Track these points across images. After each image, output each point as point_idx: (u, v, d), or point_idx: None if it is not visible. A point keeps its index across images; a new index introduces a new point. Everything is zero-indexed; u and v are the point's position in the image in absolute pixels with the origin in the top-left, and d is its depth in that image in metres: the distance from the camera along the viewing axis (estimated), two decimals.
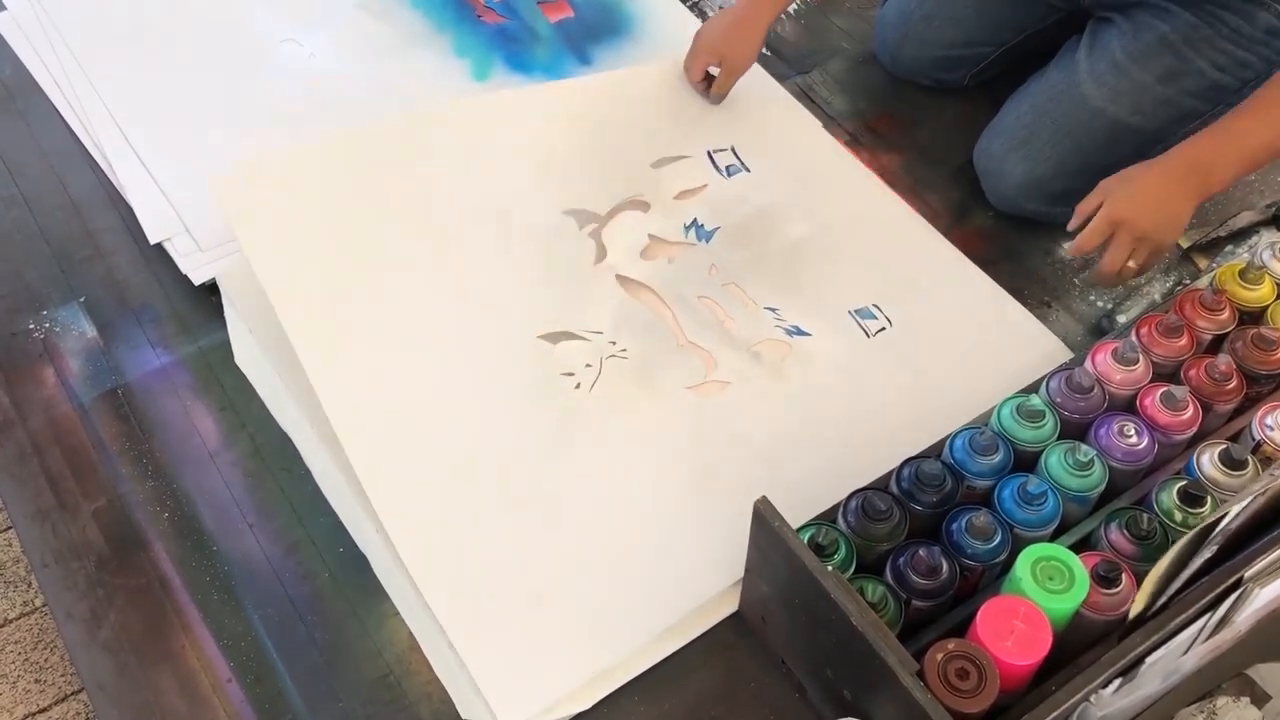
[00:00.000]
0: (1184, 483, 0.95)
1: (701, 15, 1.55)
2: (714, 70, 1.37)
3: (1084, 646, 0.88)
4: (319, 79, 1.44)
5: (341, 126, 1.38)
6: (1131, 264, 1.12)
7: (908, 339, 1.22)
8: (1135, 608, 0.84)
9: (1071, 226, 1.15)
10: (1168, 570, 0.83)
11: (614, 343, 1.19)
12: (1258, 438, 0.99)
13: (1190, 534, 0.82)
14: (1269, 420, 0.99)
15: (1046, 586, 0.85)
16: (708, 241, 1.28)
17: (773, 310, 1.23)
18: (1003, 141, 1.32)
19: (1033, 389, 1.04)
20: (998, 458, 0.97)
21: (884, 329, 1.23)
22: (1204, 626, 0.85)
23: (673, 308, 1.23)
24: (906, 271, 1.28)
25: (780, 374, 1.18)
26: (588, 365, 1.17)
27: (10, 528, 1.42)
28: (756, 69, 1.42)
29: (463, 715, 0.98)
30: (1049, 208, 1.30)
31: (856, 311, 1.24)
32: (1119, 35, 1.28)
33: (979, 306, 1.25)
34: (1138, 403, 1.01)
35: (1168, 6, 1.26)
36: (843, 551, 0.92)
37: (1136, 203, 1.08)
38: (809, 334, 1.21)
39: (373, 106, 1.42)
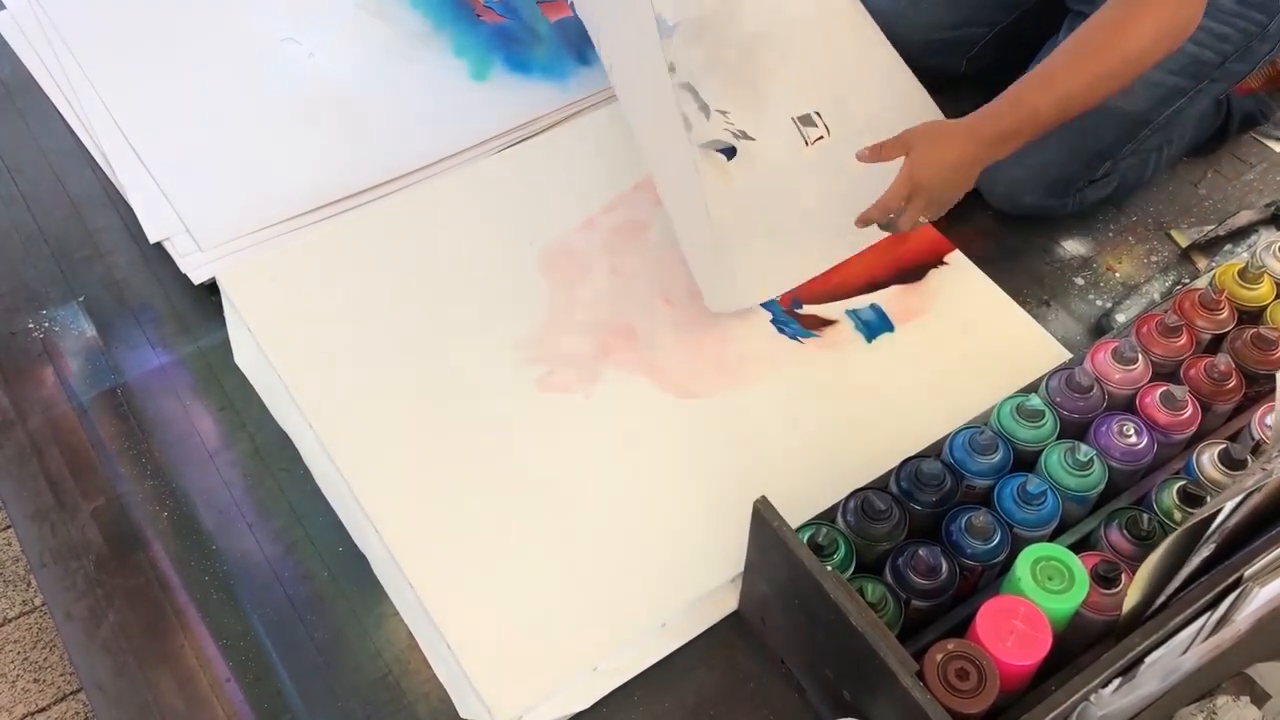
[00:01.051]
0: (1183, 482, 0.95)
1: None
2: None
3: (1084, 646, 0.88)
4: (318, 78, 1.44)
5: (343, 118, 1.39)
6: (922, 220, 1.16)
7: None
8: (1128, 602, 0.84)
9: (863, 158, 1.15)
10: (1160, 564, 0.83)
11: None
12: (1257, 437, 0.99)
13: (1181, 529, 0.82)
14: (1269, 420, 0.99)
15: (1046, 586, 0.85)
16: (671, 37, 1.32)
17: (723, 113, 1.29)
18: None
19: (1032, 388, 1.04)
20: (997, 457, 0.97)
21: (821, 138, 1.28)
22: (1204, 625, 0.85)
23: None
24: (850, 82, 1.31)
25: (731, 176, 1.26)
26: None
27: (9, 527, 1.42)
28: None
29: (461, 715, 0.98)
30: (1045, 200, 1.30)
31: (799, 119, 1.28)
32: None
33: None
34: (1137, 402, 1.01)
35: None
36: (842, 551, 0.92)
37: (940, 173, 1.12)
38: (753, 139, 1.28)
39: (372, 106, 1.42)
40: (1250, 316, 1.09)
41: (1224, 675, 0.96)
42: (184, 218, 1.29)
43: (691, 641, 1.02)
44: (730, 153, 1.31)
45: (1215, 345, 1.08)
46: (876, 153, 1.15)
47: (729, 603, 1.03)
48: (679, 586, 1.04)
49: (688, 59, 1.31)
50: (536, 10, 1.53)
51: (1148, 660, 0.83)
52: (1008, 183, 1.30)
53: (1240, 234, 1.33)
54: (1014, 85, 1.13)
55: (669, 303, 1.24)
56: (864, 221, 1.16)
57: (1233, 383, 1.02)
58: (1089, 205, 1.33)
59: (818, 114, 1.29)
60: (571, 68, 1.47)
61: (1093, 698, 0.83)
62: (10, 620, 1.36)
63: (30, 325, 1.23)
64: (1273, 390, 1.04)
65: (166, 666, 1.01)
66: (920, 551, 0.91)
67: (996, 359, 1.18)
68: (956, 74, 1.47)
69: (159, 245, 1.28)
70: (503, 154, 1.38)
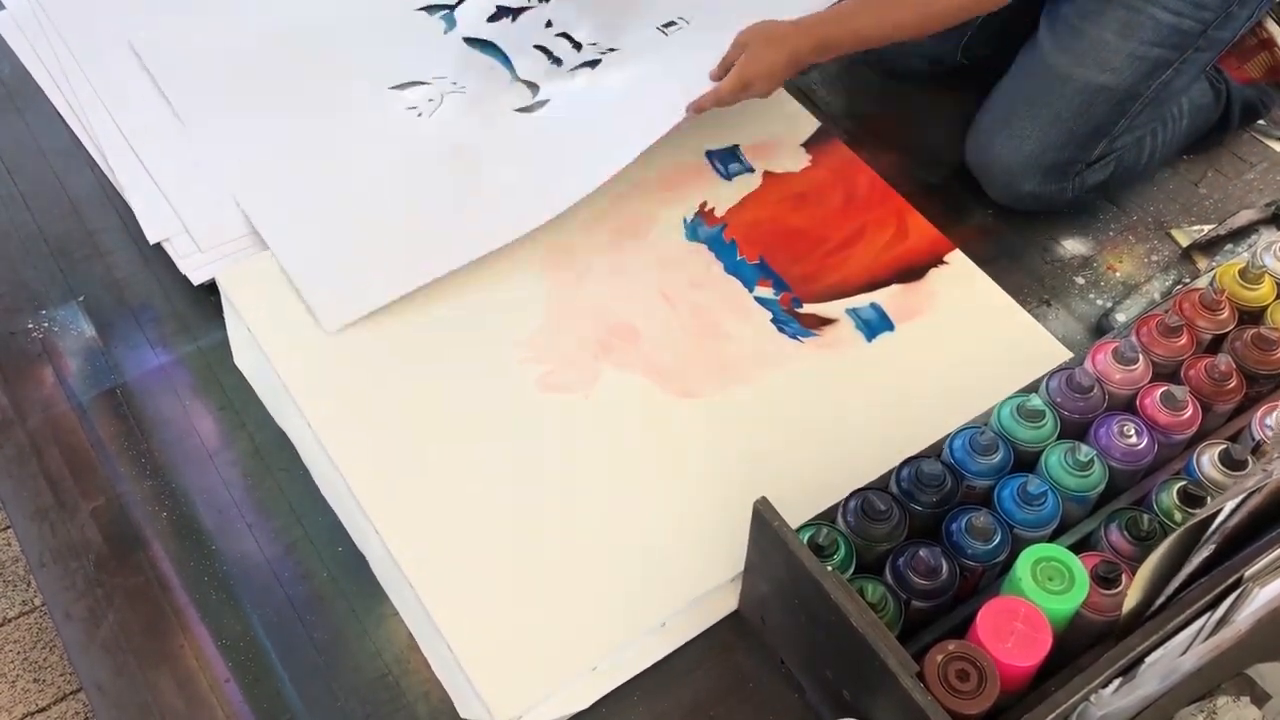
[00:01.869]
0: (1184, 483, 0.95)
1: None
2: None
3: (1084, 647, 0.88)
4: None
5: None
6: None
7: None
8: (1128, 603, 0.84)
9: (715, 76, 1.29)
10: (1159, 565, 0.83)
11: (455, 83, 1.41)
12: (1257, 437, 0.99)
13: (1181, 529, 0.82)
14: (1269, 420, 0.99)
15: (1046, 587, 0.85)
16: (546, 1, 1.50)
17: (594, 45, 1.44)
18: (985, 130, 1.32)
19: (1032, 389, 1.04)
20: (997, 457, 0.97)
21: (681, 29, 1.42)
22: (1203, 626, 0.85)
23: (511, 56, 1.44)
24: None
25: (593, 82, 1.40)
26: (430, 100, 1.39)
27: (9, 527, 1.42)
28: None
29: (461, 714, 0.98)
30: (1044, 186, 1.30)
31: (662, 26, 1.43)
32: (1071, 1, 1.29)
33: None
34: (1137, 402, 1.01)
35: None
36: (842, 552, 0.92)
37: (771, 71, 1.26)
38: (617, 49, 1.42)
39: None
40: (1251, 316, 1.09)
41: (1224, 675, 0.96)
42: (183, 218, 1.29)
43: (691, 641, 1.02)
44: (595, 64, 1.42)
45: (1216, 345, 1.08)
46: (723, 67, 1.28)
47: (729, 603, 1.03)
48: (679, 586, 1.04)
49: (563, 15, 1.47)
50: None
51: (1148, 660, 0.83)
52: (1005, 170, 1.30)
53: (1241, 234, 1.33)
54: (847, 5, 1.27)
55: (669, 302, 1.24)
56: (698, 109, 1.28)
57: (1233, 383, 1.02)
58: (1089, 190, 1.33)
59: (682, 18, 1.43)
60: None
61: (1093, 698, 0.83)
62: (10, 620, 1.36)
63: (30, 325, 1.23)
64: (1273, 390, 1.05)
65: (166, 666, 1.01)
66: (921, 552, 0.90)
67: (997, 359, 1.18)
68: (954, 64, 1.47)
69: (158, 245, 1.27)
70: None
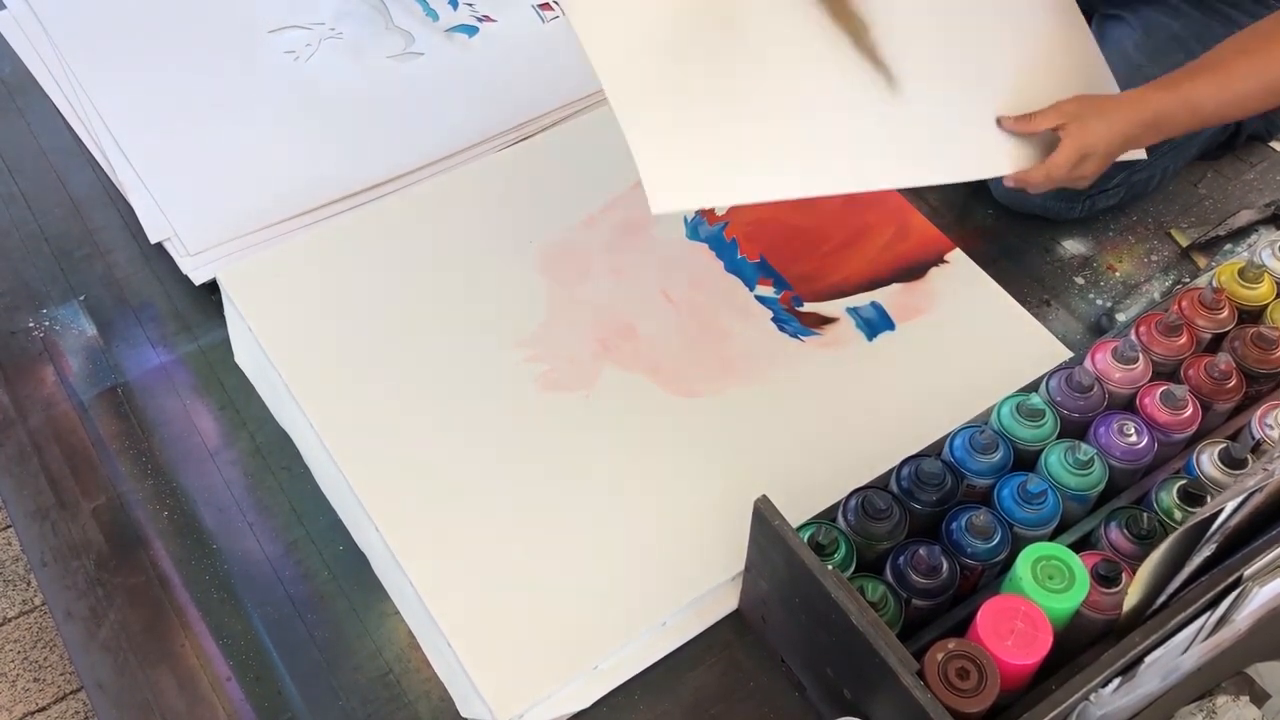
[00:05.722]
0: (1184, 482, 0.95)
1: None
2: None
3: (1084, 646, 0.88)
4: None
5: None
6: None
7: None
8: (1128, 601, 0.84)
9: (1010, 128, 1.12)
10: (1160, 564, 0.83)
11: (332, 29, 1.49)
12: (1257, 436, 0.99)
13: (1182, 529, 0.82)
14: (1268, 419, 0.99)
15: (1047, 586, 0.85)
16: None
17: (469, 5, 1.52)
18: None
19: (1032, 388, 1.04)
20: (997, 456, 0.97)
21: (556, 17, 1.49)
22: (1203, 625, 0.85)
23: (388, 3, 1.51)
24: None
25: (465, 47, 1.47)
26: (307, 45, 1.46)
27: (9, 526, 1.43)
28: None
29: (462, 714, 0.98)
30: (1054, 202, 1.30)
31: (538, 5, 1.50)
32: (1130, 32, 1.28)
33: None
34: (1137, 401, 1.01)
35: (1178, 5, 1.26)
36: (843, 550, 0.92)
37: (1108, 140, 1.10)
38: (495, 20, 1.50)
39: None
40: (1250, 316, 1.09)
41: (1223, 675, 0.96)
42: (185, 217, 1.29)
43: (691, 641, 1.02)
44: (471, 31, 1.49)
45: (1215, 344, 1.08)
46: (1026, 123, 1.12)
47: (729, 602, 1.03)
48: (679, 586, 1.04)
49: None
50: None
51: (1148, 660, 0.83)
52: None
53: (1240, 233, 1.33)
54: (1180, 74, 1.10)
55: (670, 301, 1.24)
56: (1018, 184, 1.13)
57: (1233, 382, 1.02)
58: (1095, 213, 1.33)
59: (558, 4, 1.49)
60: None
61: (1093, 697, 0.83)
62: (10, 620, 1.36)
63: (30, 324, 1.23)
64: (1273, 389, 1.05)
65: (167, 665, 1.01)
66: (921, 551, 0.91)
67: (997, 358, 1.19)
68: None
69: (159, 244, 1.28)
70: (502, 153, 1.38)
